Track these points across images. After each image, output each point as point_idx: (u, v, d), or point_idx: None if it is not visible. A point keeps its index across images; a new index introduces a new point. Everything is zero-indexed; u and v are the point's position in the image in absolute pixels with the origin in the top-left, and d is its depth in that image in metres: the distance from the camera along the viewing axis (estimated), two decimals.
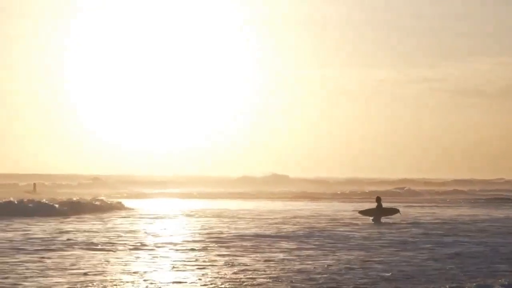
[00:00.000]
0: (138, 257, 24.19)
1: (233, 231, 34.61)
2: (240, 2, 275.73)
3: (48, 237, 30.71)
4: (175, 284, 19.03)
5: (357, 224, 40.38)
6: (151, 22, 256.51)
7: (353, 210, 52.21)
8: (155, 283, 19.01)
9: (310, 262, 23.10)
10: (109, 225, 38.21)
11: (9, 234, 32.07)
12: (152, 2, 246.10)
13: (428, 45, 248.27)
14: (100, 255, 24.54)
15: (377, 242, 30.01)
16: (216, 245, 28.06)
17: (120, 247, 27.11)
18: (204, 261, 23.20)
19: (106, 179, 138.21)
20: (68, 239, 29.88)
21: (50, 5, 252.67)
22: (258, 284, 18.97)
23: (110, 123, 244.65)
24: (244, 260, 23.57)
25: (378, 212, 44.39)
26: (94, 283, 18.79)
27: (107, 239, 30.08)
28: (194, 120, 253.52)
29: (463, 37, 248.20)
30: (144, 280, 19.41)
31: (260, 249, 26.95)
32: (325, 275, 20.38)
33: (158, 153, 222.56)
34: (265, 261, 23.38)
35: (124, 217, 45.27)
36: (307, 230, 35.79)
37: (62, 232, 33.31)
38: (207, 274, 20.46)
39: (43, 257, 23.79)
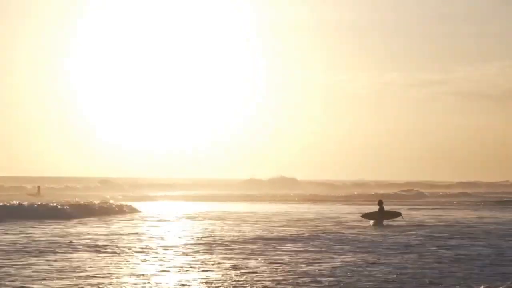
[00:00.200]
0: (144, 260, 24.25)
1: (238, 234, 34.65)
2: (248, 7, 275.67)
3: (53, 240, 30.78)
4: (181, 287, 19.08)
5: (362, 227, 40.40)
6: (157, 26, 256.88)
7: (359, 213, 52.21)
8: (161, 286, 19.07)
9: (315, 265, 23.13)
10: (114, 228, 38.28)
11: (15, 237, 32.14)
12: (156, 6, 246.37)
13: (435, 49, 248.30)
14: (106, 258, 24.61)
15: (382, 244, 30.03)
16: (221, 248, 28.11)
17: (126, 250, 27.17)
18: (209, 264, 23.24)
19: (112, 182, 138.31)
20: (74, 242, 29.94)
21: (54, 6, 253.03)
22: (264, 287, 19.01)
23: (117, 126, 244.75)
24: (249, 262, 23.62)
25: (380, 216, 44.42)
26: (101, 286, 18.85)
27: (113, 242, 30.15)
28: (201, 123, 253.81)
29: (470, 41, 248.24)
30: (150, 283, 19.47)
31: (265, 251, 26.98)
32: (330, 278, 20.42)
33: (165, 156, 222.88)
34: (270, 263, 23.42)
35: (130, 220, 45.35)
36: (312, 232, 35.81)
37: (68, 235, 33.39)
38: (212, 277, 20.50)
39: (49, 260, 23.87)
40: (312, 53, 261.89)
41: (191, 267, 22.46)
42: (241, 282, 19.62)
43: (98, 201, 58.42)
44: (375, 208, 46.39)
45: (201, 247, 28.32)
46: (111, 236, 32.88)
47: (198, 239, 31.75)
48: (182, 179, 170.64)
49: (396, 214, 45.41)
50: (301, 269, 22.11)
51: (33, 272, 21.18)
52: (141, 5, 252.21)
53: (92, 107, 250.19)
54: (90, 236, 32.78)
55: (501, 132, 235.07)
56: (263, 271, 21.71)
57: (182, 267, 22.55)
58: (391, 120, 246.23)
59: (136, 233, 34.75)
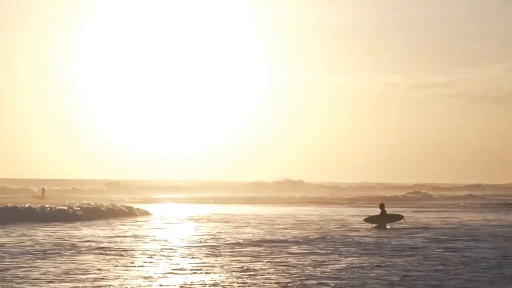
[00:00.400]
0: (150, 262, 24.37)
1: (244, 236, 34.75)
2: (250, 7, 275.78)
3: (60, 242, 30.89)
4: None
5: (366, 229, 40.48)
6: (162, 29, 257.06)
7: (363, 215, 52.27)
8: None
9: (320, 267, 23.23)
10: (121, 230, 38.39)
11: (20, 240, 32.25)
12: (157, 9, 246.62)
13: (438, 50, 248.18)
14: (113, 260, 24.73)
15: (387, 246, 30.11)
16: (227, 250, 28.21)
17: (133, 252, 27.29)
18: (215, 266, 23.33)
19: (118, 184, 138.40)
20: (80, 245, 30.05)
21: (59, 6, 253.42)
22: None
23: (122, 128, 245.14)
24: (256, 265, 23.72)
25: (382, 219, 44.45)
26: None
27: (120, 244, 30.27)
28: (207, 125, 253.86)
29: (473, 43, 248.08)
30: (157, 285, 19.59)
31: (270, 254, 27.08)
32: (336, 280, 20.52)
33: (171, 158, 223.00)
34: (276, 266, 23.52)
35: (137, 222, 45.47)
36: (317, 235, 35.89)
37: (74, 237, 33.50)
38: (218, 279, 20.60)
39: (56, 262, 24.00)
40: (315, 54, 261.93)
41: (197, 270, 22.56)
42: (248, 285, 19.73)
43: (112, 204, 58.53)
44: (379, 210, 46.39)
45: (208, 250, 28.42)
46: (118, 239, 32.97)
47: (203, 241, 31.84)
48: (188, 182, 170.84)
49: (398, 217, 45.45)
50: (307, 271, 22.21)
51: (41, 274, 21.30)
52: (142, 6, 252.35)
53: (97, 110, 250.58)
54: (97, 239, 32.88)
55: (505, 134, 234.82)
56: (269, 273, 21.82)
57: (188, 269, 22.64)
58: (394, 122, 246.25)
59: (143, 236, 34.86)
